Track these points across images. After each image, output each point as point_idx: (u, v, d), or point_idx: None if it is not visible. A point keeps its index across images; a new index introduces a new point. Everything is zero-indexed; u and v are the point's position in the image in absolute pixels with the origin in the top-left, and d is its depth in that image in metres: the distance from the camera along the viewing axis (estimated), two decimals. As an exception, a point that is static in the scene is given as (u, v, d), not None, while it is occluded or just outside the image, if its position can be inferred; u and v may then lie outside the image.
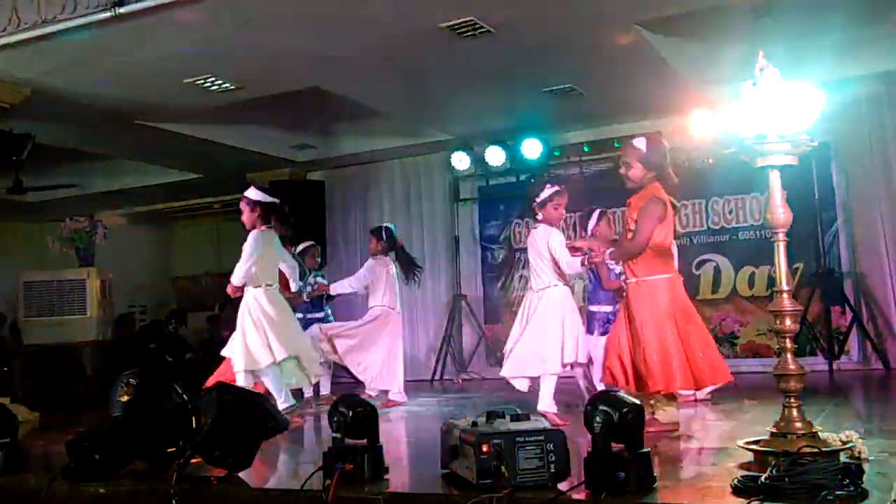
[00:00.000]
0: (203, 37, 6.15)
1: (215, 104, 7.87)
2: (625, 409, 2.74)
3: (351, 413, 3.19)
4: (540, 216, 5.26)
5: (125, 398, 3.71)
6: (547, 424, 2.92)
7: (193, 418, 3.54)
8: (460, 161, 9.68)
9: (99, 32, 5.86)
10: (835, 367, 7.73)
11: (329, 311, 7.69)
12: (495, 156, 9.52)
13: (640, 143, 4.49)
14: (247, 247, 5.57)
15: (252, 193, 5.79)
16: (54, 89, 7.14)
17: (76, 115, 7.86)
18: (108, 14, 5.55)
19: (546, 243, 5.11)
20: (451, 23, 6.16)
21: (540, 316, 5.08)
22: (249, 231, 5.69)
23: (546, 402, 4.95)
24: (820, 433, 3.13)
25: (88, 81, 7.03)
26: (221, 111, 8.13)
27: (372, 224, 10.38)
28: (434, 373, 9.59)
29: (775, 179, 3.21)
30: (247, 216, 5.73)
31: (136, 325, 11.72)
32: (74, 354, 8.59)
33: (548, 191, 5.22)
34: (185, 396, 3.68)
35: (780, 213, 3.19)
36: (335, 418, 3.21)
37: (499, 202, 9.99)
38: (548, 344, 5.00)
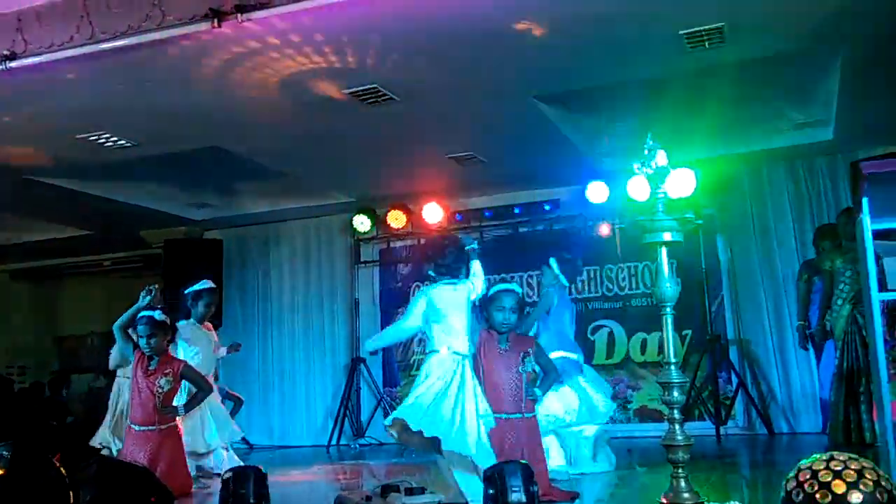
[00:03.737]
0: (98, 94, 6.02)
1: (110, 161, 7.66)
2: (516, 480, 2.76)
3: (240, 486, 3.09)
4: None
5: (-3, 472, 3.47)
6: (441, 498, 2.90)
7: (71, 494, 3.35)
8: (362, 223, 9.67)
9: (-13, 86, 5.67)
10: (722, 431, 7.97)
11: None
12: (397, 219, 9.57)
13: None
14: None
15: None
16: (-64, 141, 6.83)
17: (-40, 168, 7.52)
18: (-2, 68, 5.38)
19: None
20: (355, 90, 6.22)
21: None
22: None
23: None
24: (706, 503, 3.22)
25: (-26, 134, 6.76)
26: (116, 168, 7.92)
27: (271, 285, 10.30)
28: (331, 438, 9.41)
29: (663, 255, 3.35)
30: None
31: (13, 387, 11.10)
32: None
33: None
34: (62, 470, 3.49)
35: (668, 288, 3.32)
36: (223, 493, 3.11)
37: (399, 265, 10.02)
38: None
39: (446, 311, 4.42)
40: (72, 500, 3.33)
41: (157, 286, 5.61)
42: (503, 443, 4.50)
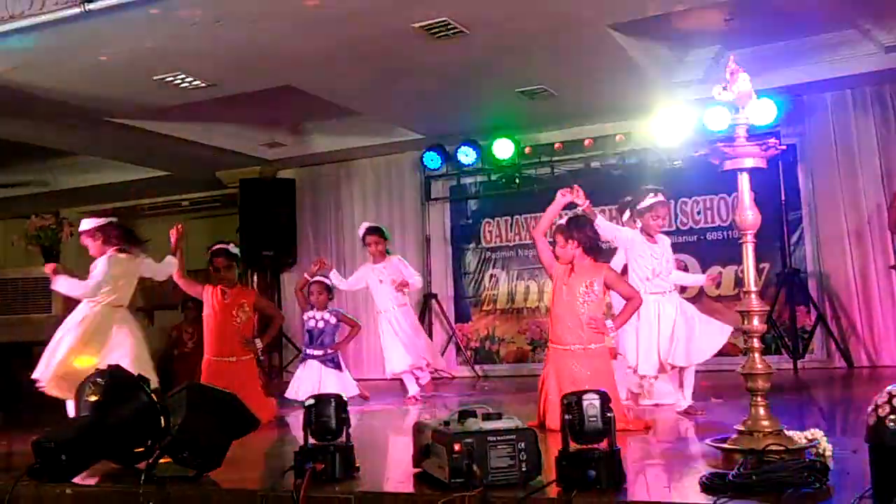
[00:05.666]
0: (174, 34, 6.09)
1: (186, 101, 7.79)
2: (593, 408, 2.78)
3: (322, 413, 3.18)
4: (639, 224, 5.33)
5: (93, 398, 3.66)
6: (518, 423, 2.93)
7: (162, 418, 3.51)
8: (432, 160, 9.69)
9: (68, 28, 5.78)
10: (799, 365, 7.85)
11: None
12: (467, 155, 9.54)
13: (562, 220, 4.72)
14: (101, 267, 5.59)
15: (86, 224, 5.86)
16: (21, 85, 7.02)
17: (43, 111, 7.73)
18: (77, 10, 5.47)
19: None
20: (425, 23, 6.15)
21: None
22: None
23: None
24: (786, 431, 3.18)
25: (56, 77, 6.92)
26: (192, 108, 8.05)
27: (342, 222, 10.42)
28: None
29: (744, 182, 3.25)
30: (94, 248, 5.75)
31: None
32: (39, 353, 8.45)
33: (650, 199, 5.22)
34: (153, 396, 3.66)
35: (749, 215, 3.24)
36: (306, 418, 3.20)
37: (470, 201, 10.02)
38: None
39: None
40: (162, 424, 3.49)
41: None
42: (571, 374, 4.52)
